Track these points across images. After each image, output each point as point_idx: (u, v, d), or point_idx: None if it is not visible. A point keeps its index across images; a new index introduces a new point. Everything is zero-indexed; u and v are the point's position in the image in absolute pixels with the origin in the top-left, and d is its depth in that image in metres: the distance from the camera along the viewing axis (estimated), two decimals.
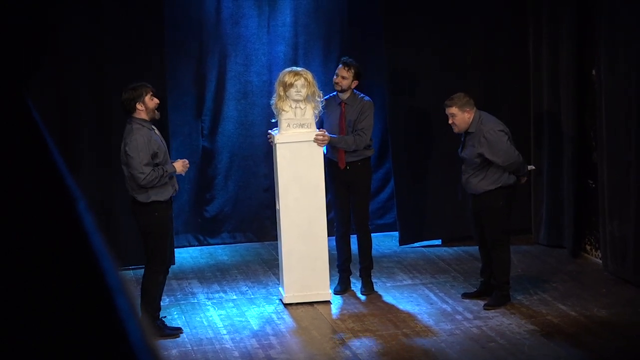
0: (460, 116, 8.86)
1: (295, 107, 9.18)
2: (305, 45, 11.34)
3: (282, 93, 9.16)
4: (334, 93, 9.54)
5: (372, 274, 9.70)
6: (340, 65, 9.45)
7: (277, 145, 9.18)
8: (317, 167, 9.24)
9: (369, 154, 9.56)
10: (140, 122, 8.42)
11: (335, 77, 9.43)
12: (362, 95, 9.51)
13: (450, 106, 8.90)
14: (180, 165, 8.54)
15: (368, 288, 9.59)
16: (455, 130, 8.98)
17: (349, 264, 9.65)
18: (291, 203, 9.22)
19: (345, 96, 9.43)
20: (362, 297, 9.49)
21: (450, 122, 8.95)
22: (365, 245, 9.61)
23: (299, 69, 9.35)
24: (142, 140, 8.35)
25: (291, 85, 9.11)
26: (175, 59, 11.02)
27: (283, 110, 9.18)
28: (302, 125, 9.22)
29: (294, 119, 9.20)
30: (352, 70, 9.38)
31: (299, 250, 9.24)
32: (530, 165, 9.51)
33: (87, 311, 1.25)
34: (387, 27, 10.91)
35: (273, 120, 9.46)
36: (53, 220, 1.47)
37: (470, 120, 8.87)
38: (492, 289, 9.09)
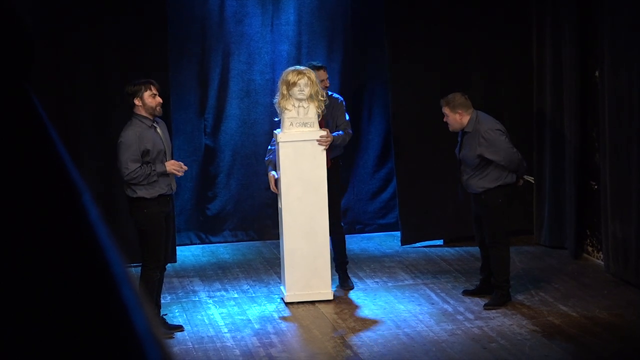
0: (452, 117, 8.90)
1: (299, 106, 9.18)
2: (309, 44, 11.33)
3: (285, 92, 9.16)
4: None
5: (371, 273, 9.74)
6: (322, 70, 9.52)
7: (280, 144, 9.18)
8: (319, 166, 9.23)
9: (338, 153, 9.62)
10: (139, 118, 8.42)
11: (321, 82, 9.38)
12: (330, 93, 9.58)
13: (443, 106, 8.95)
14: (170, 165, 8.49)
15: (346, 283, 9.67)
16: (450, 128, 9.02)
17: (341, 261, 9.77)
18: (293, 201, 9.22)
19: None
20: (362, 297, 9.49)
21: (444, 119, 9.00)
22: (341, 242, 9.70)
23: (302, 67, 9.34)
24: (132, 136, 8.35)
25: (294, 84, 9.10)
26: (178, 57, 11.02)
27: (286, 109, 9.18)
28: (305, 124, 9.22)
29: (297, 118, 9.20)
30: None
31: (300, 249, 9.24)
32: (529, 176, 9.45)
33: (92, 302, 1.26)
34: (390, 27, 10.91)
35: (276, 119, 9.47)
36: (58, 211, 1.47)
37: (461, 121, 8.89)
38: (492, 287, 9.09)
